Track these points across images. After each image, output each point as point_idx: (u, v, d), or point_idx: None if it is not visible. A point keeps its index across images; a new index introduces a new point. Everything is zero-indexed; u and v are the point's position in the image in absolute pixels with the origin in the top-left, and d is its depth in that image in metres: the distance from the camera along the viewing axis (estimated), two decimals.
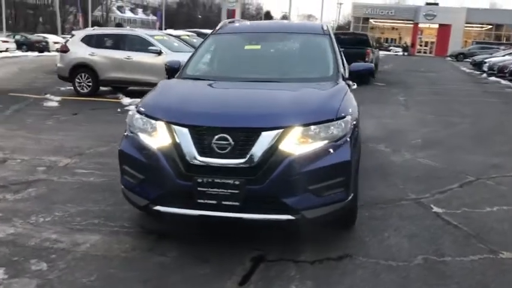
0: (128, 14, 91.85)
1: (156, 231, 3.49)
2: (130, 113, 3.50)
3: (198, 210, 2.98)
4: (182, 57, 4.95)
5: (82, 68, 10.89)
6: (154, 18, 68.68)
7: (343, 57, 4.95)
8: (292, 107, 3.21)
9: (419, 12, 54.52)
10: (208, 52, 4.66)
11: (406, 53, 50.52)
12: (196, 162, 2.94)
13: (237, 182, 2.88)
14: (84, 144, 6.11)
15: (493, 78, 19.68)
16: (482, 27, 57.05)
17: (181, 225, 3.52)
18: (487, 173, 5.23)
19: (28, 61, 23.18)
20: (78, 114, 8.60)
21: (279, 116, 3.07)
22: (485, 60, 23.54)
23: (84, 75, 10.90)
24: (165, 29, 39.43)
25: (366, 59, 15.11)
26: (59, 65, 11.36)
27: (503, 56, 23.93)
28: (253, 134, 2.93)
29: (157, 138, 3.08)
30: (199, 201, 2.94)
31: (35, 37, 37.29)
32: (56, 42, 32.35)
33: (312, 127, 3.01)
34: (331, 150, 3.00)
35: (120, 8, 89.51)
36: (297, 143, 2.94)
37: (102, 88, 11.21)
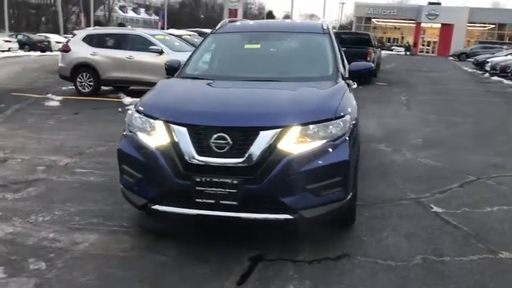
0: (130, 14, 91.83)
1: (155, 231, 3.50)
2: (129, 112, 3.51)
3: (196, 210, 2.98)
4: (183, 57, 4.93)
5: (83, 67, 10.90)
6: (157, 18, 68.75)
7: (344, 56, 4.94)
8: (290, 106, 3.20)
9: (422, 11, 54.32)
10: (208, 51, 4.65)
11: (408, 53, 50.32)
12: (194, 161, 2.94)
13: (235, 181, 2.88)
14: (85, 143, 6.12)
15: (495, 78, 19.61)
16: (484, 26, 56.84)
17: (179, 224, 3.52)
18: (488, 173, 5.22)
19: (30, 61, 23.20)
20: (79, 113, 8.61)
21: (277, 115, 3.07)
22: (488, 60, 23.45)
23: (86, 75, 10.90)
24: (168, 28, 39.50)
25: (368, 59, 15.06)
26: (60, 64, 11.37)
27: (506, 55, 23.83)
28: (251, 133, 2.92)
29: (156, 137, 3.09)
30: (197, 200, 2.94)
31: (37, 37, 37.28)
32: (58, 42, 32.26)
33: (311, 126, 3.01)
34: (330, 150, 2.99)
35: (122, 8, 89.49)
36: (296, 142, 2.94)
37: (103, 88, 11.22)
